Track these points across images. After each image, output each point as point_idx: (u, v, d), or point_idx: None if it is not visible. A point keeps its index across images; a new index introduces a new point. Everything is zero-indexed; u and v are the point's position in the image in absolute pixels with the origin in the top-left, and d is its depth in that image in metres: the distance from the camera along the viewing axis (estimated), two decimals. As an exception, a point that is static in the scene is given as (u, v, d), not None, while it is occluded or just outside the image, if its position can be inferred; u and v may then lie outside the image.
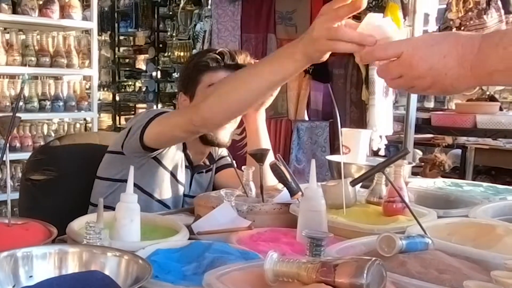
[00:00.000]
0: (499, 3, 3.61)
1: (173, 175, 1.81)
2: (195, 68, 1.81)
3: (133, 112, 9.32)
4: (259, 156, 1.56)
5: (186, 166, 1.86)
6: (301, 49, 1.28)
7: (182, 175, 1.84)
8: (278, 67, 1.34)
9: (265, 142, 1.85)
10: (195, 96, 1.80)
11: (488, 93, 3.91)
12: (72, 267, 0.98)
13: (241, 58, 1.80)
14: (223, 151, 2.04)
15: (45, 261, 0.97)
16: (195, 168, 1.90)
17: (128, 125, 1.74)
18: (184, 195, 1.87)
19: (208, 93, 1.53)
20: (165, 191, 1.79)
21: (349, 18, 1.21)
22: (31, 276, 0.94)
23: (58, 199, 1.82)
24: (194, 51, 6.95)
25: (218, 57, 1.78)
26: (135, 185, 1.71)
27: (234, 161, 1.74)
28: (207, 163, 1.94)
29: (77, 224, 1.24)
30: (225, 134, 1.81)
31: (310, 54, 1.27)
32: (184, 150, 1.84)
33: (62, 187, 1.88)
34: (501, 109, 3.58)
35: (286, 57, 1.33)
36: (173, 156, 1.80)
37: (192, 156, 1.87)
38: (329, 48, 1.23)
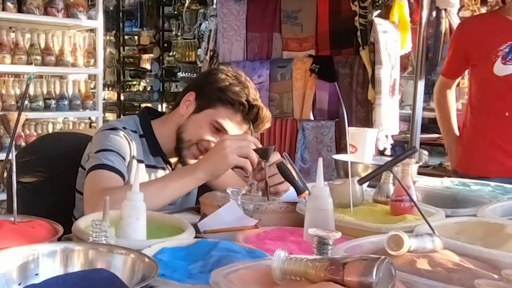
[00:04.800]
0: None
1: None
2: (222, 93, 1.72)
3: (137, 112, 9.33)
4: (260, 152, 1.54)
5: (163, 168, 1.80)
6: (204, 168, 1.52)
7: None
8: (181, 185, 1.52)
9: None
10: (199, 113, 1.74)
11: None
12: (78, 265, 0.97)
13: (263, 118, 1.75)
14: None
15: (51, 259, 0.97)
16: (174, 168, 1.83)
17: (87, 150, 1.71)
18: None
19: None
20: None
21: None
22: (37, 274, 0.94)
23: (52, 200, 1.79)
24: (200, 51, 6.93)
25: (247, 107, 1.72)
26: None
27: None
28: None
29: (83, 223, 1.23)
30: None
31: (213, 172, 1.53)
32: (157, 152, 1.79)
33: (54, 188, 1.85)
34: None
35: (188, 175, 1.53)
36: (147, 160, 1.76)
37: (169, 156, 1.81)
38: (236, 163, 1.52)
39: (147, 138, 1.78)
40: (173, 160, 1.82)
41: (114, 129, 1.71)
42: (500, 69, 2.49)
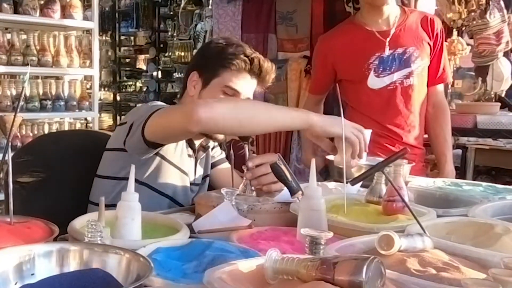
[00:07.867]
0: (502, 3, 3.62)
1: (179, 168, 1.80)
2: (221, 59, 1.78)
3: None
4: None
5: (188, 155, 1.85)
6: (316, 121, 1.56)
7: (186, 165, 1.84)
8: (285, 117, 1.58)
9: None
10: (208, 86, 1.78)
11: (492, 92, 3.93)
12: (74, 265, 0.98)
13: (266, 69, 1.80)
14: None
15: (46, 259, 0.97)
16: (197, 155, 1.88)
17: (129, 121, 1.68)
18: (190, 183, 1.87)
19: (222, 102, 1.58)
20: (173, 186, 1.79)
21: None
22: (33, 274, 0.95)
23: (49, 200, 1.80)
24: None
25: (248, 61, 1.77)
26: (143, 183, 1.70)
27: (233, 159, 1.70)
28: (203, 144, 1.91)
29: (79, 223, 1.24)
30: None
31: (326, 125, 1.58)
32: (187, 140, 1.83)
33: (52, 188, 1.86)
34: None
35: (298, 112, 1.61)
36: (175, 149, 1.79)
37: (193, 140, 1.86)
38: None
39: None
40: (197, 143, 1.87)
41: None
42: (375, 82, 2.45)
